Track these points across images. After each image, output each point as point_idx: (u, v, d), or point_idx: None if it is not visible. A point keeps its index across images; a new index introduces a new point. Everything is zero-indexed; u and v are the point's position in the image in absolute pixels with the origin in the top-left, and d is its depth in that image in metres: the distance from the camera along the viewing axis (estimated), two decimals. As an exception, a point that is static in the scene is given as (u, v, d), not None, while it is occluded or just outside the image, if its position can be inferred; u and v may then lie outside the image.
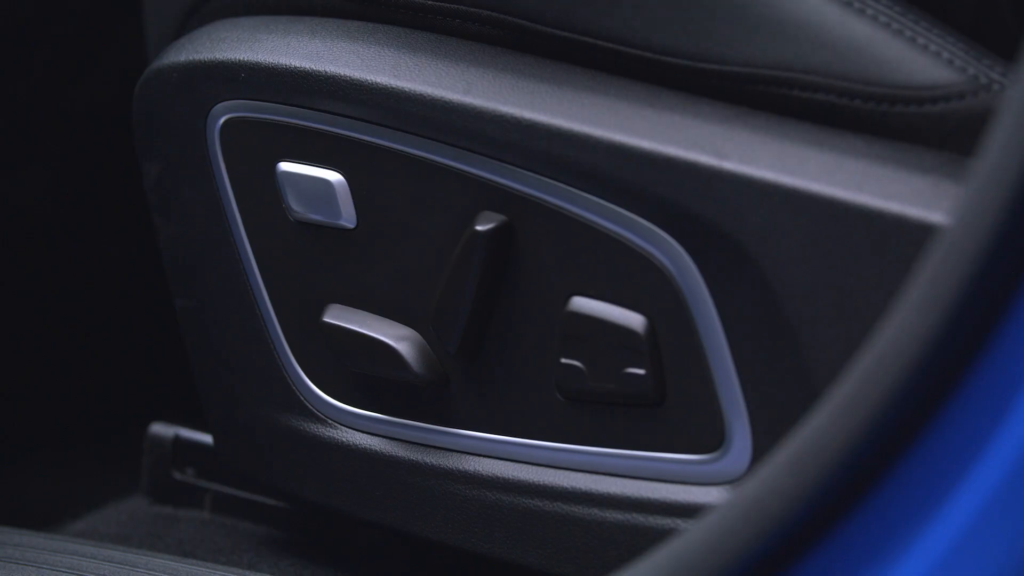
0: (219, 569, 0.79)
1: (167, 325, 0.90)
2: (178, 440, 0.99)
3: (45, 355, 1.16)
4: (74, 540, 0.84)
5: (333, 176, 0.75)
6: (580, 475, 0.73)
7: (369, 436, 0.79)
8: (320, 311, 0.77)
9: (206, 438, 0.98)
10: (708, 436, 0.69)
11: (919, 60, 0.66)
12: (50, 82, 1.13)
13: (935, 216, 0.61)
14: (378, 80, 0.72)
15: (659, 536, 0.70)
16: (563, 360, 0.70)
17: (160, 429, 1.00)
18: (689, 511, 0.70)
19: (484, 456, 0.75)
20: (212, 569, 0.79)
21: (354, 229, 0.75)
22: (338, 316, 0.77)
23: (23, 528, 0.84)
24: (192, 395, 0.86)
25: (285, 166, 0.75)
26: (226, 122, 0.77)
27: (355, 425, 0.79)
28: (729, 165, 0.65)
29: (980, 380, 0.50)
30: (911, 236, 0.61)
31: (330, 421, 0.80)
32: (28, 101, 1.13)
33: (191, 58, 0.78)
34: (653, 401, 0.70)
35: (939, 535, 0.49)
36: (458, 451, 0.76)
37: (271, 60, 0.75)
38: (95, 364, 1.17)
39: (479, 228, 0.71)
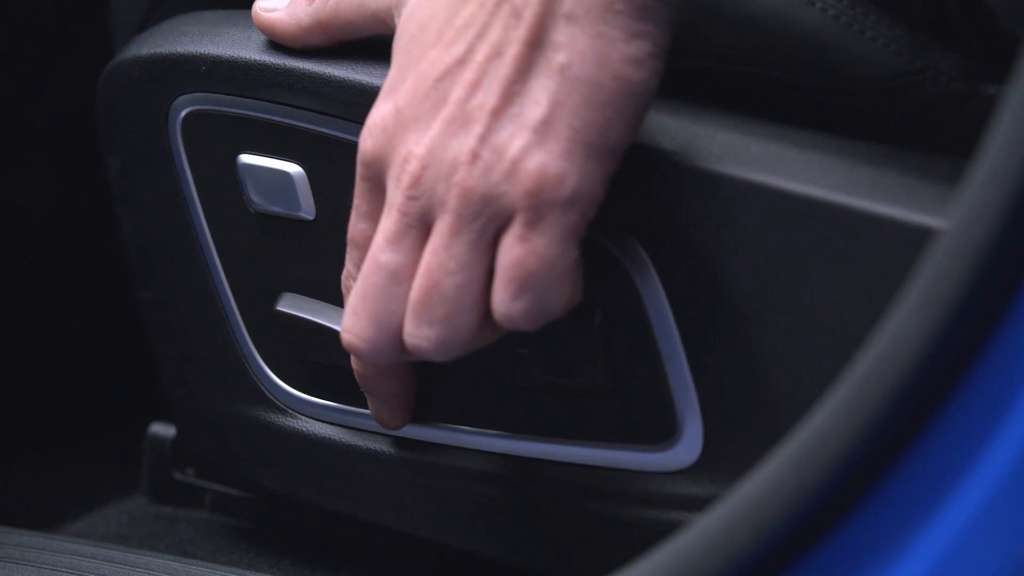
0: (219, 569, 0.79)
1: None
2: (178, 440, 0.99)
3: (45, 355, 1.16)
4: (74, 540, 0.84)
5: (293, 168, 0.75)
6: (536, 464, 0.73)
7: (329, 426, 0.80)
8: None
9: (206, 438, 0.98)
10: (660, 426, 0.70)
11: (868, 52, 0.66)
12: (44, 77, 1.13)
13: (882, 207, 0.62)
14: (336, 73, 0.73)
15: (613, 524, 0.71)
16: (517, 350, 0.71)
17: (160, 429, 1.00)
18: (642, 499, 0.71)
19: (440, 445, 0.76)
20: (212, 569, 0.79)
21: (313, 221, 0.76)
22: (293, 305, 0.77)
23: (23, 528, 0.84)
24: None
25: (245, 158, 0.76)
26: (187, 115, 0.77)
27: (315, 415, 0.80)
28: (680, 158, 0.65)
29: (980, 380, 0.50)
30: (859, 227, 0.62)
31: (291, 411, 0.80)
32: (21, 97, 1.13)
33: (152, 51, 0.78)
34: (606, 392, 0.70)
35: (939, 535, 0.49)
36: (414, 440, 0.77)
37: (232, 53, 0.75)
38: (95, 364, 1.17)
39: None
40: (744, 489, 0.52)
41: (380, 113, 0.65)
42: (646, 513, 0.71)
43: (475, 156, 0.62)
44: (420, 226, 0.64)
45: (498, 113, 0.62)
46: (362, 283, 0.65)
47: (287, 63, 0.74)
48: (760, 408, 0.66)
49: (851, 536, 0.51)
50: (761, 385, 0.66)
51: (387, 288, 0.65)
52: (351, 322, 0.66)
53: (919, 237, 0.61)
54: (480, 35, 0.62)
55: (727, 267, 0.65)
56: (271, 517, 0.96)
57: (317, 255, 0.76)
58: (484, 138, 0.62)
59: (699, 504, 0.69)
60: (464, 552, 0.79)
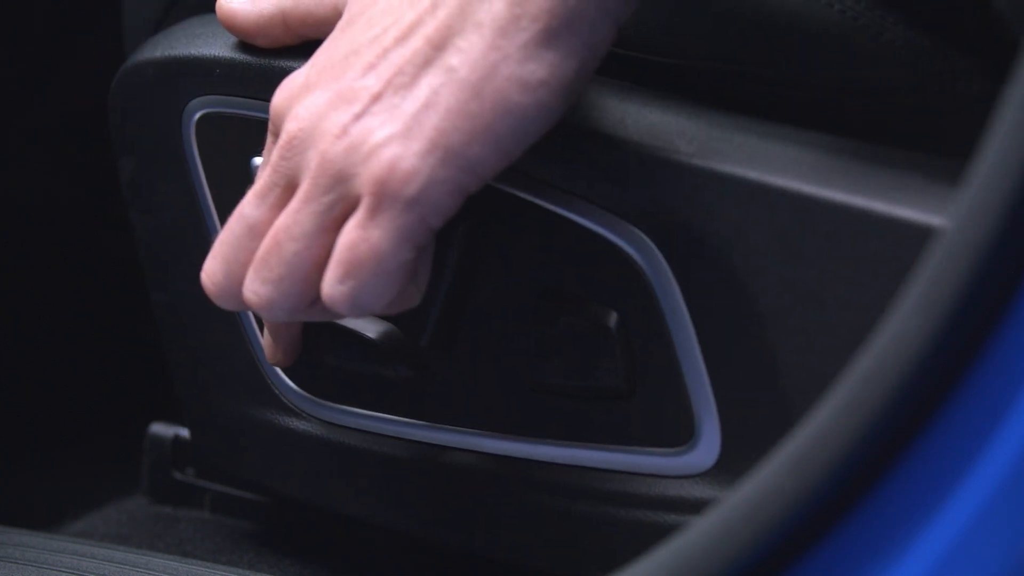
0: (219, 569, 0.79)
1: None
2: (178, 440, 0.99)
3: (45, 354, 1.16)
4: (74, 540, 0.84)
5: None
6: (552, 468, 0.73)
7: (343, 430, 0.79)
8: None
9: (206, 438, 0.98)
10: (678, 429, 0.69)
11: (885, 55, 0.66)
12: (44, 78, 1.13)
13: (901, 211, 0.62)
14: None
15: (630, 528, 0.71)
16: (534, 354, 0.71)
17: (160, 429, 1.00)
18: (659, 503, 0.71)
19: (456, 449, 0.76)
20: (212, 569, 0.78)
21: None
22: None
23: (23, 528, 0.84)
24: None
25: (259, 160, 0.76)
26: (201, 117, 0.77)
27: (329, 419, 0.80)
28: (698, 160, 0.65)
29: (980, 380, 0.50)
30: (877, 230, 0.62)
31: (304, 415, 0.80)
32: (21, 96, 1.13)
33: (167, 53, 0.78)
34: (623, 395, 0.70)
35: (939, 535, 0.49)
36: (430, 445, 0.76)
37: (246, 56, 0.75)
38: (95, 364, 1.17)
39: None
40: (744, 489, 0.52)
41: (296, 73, 0.67)
42: (663, 517, 0.70)
43: (344, 132, 0.63)
44: (286, 186, 0.65)
45: (378, 97, 0.63)
46: (225, 229, 0.67)
47: (300, 66, 0.73)
48: (778, 411, 0.66)
49: (851, 536, 0.51)
50: (779, 388, 0.66)
51: (242, 239, 0.67)
52: (209, 263, 0.68)
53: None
54: (396, 22, 0.63)
55: (744, 269, 0.65)
56: (271, 517, 0.96)
57: None
58: (358, 117, 0.63)
59: None
60: (473, 555, 0.78)
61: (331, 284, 0.63)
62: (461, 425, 0.75)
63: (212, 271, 0.68)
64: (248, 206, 0.66)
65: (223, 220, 0.78)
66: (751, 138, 0.66)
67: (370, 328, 0.74)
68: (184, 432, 0.99)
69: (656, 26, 0.69)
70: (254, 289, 0.66)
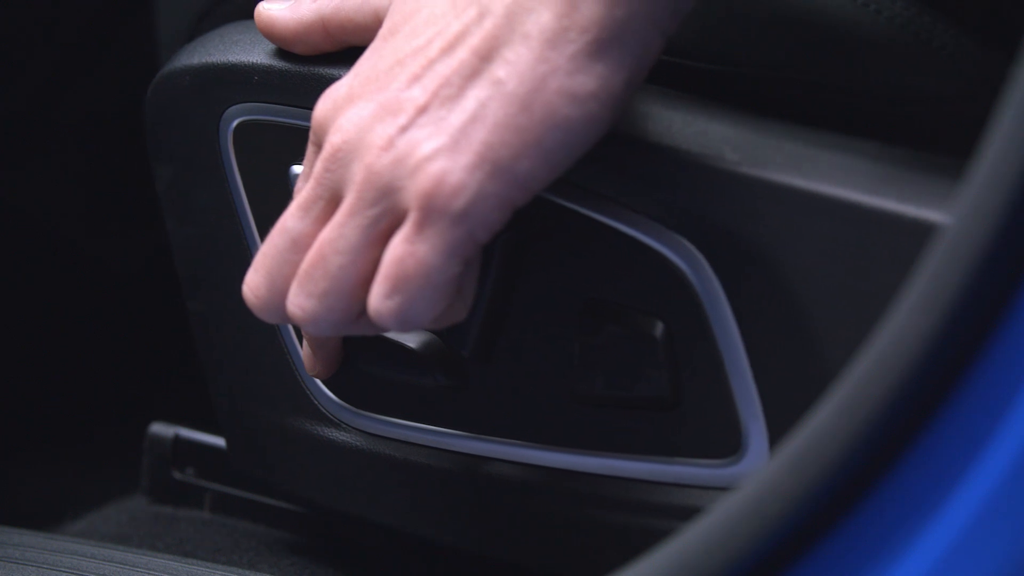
0: (219, 569, 0.79)
1: (168, 325, 0.91)
2: (178, 440, 0.99)
3: (45, 354, 1.16)
4: (74, 540, 0.84)
5: None
6: (596, 479, 0.72)
7: (381, 440, 0.78)
8: None
9: (206, 438, 0.98)
10: (725, 440, 0.68)
11: (934, 62, 0.66)
12: (54, 83, 1.13)
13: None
14: None
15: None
16: (578, 364, 0.70)
17: (160, 429, 1.00)
18: None
19: (498, 460, 0.75)
20: (212, 569, 0.78)
21: None
22: None
23: (23, 528, 0.84)
24: (192, 395, 0.86)
25: (298, 169, 0.75)
26: (239, 125, 0.77)
27: (367, 429, 0.79)
28: (744, 168, 0.65)
29: (980, 380, 0.50)
30: (928, 239, 0.61)
31: (343, 425, 0.79)
32: (31, 101, 1.13)
33: (203, 61, 0.77)
34: (669, 405, 0.69)
35: (939, 535, 0.49)
36: (471, 455, 0.76)
37: (284, 63, 0.75)
38: (95, 363, 1.17)
39: None
40: (744, 489, 0.52)
41: (338, 84, 0.66)
42: None
43: (389, 144, 0.62)
44: (330, 199, 0.65)
45: (424, 110, 0.62)
46: (268, 242, 0.67)
47: (340, 73, 0.73)
48: None
49: (851, 536, 0.51)
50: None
51: (285, 252, 0.66)
52: (251, 277, 0.67)
53: None
54: (440, 32, 0.62)
55: (792, 278, 0.64)
56: (270, 517, 0.96)
57: None
58: (404, 129, 0.62)
59: None
60: (473, 554, 0.78)
61: (378, 299, 0.63)
62: (503, 436, 0.74)
63: (255, 284, 0.67)
64: (291, 219, 0.66)
65: (261, 228, 0.78)
66: (798, 145, 0.65)
67: (410, 338, 0.73)
68: (184, 432, 0.99)
69: (701, 32, 0.68)
70: (298, 303, 0.65)
